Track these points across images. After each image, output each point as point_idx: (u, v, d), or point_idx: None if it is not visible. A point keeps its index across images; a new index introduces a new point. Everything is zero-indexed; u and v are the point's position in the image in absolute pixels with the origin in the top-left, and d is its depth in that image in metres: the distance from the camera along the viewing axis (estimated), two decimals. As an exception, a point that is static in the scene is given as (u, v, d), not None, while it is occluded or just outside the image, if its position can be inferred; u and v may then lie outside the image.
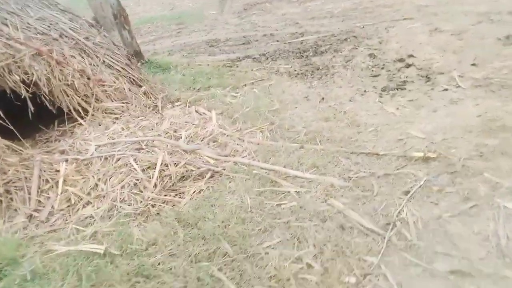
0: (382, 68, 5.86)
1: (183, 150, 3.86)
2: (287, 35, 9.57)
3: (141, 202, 3.46)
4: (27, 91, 4.22)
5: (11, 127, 3.92)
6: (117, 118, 4.63)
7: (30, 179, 3.83)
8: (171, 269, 2.73)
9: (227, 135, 4.23)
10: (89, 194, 3.68)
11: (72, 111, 4.58)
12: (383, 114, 4.41)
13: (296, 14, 10.99)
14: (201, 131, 4.15)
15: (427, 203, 3.01)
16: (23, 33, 4.39)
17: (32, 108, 4.27)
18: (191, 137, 4.09)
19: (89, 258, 2.86)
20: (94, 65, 4.79)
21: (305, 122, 4.38)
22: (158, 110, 5.00)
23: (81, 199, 3.63)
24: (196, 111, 4.76)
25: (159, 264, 2.79)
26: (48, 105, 4.44)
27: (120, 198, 3.49)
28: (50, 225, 3.50)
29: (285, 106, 4.87)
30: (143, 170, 3.67)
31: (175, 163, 3.72)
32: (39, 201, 3.73)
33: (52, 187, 3.83)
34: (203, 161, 3.77)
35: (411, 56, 6.05)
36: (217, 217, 3.15)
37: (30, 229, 3.43)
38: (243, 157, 3.87)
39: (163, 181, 3.60)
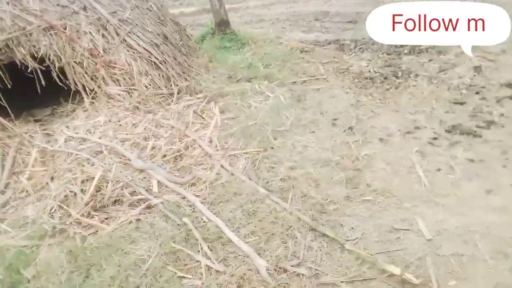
0: (477, 93, 4.06)
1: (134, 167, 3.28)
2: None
3: (66, 218, 3.08)
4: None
5: (5, 104, 3.95)
6: (119, 106, 4.28)
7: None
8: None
9: (204, 155, 3.46)
10: (38, 191, 3.46)
11: (81, 90, 4.39)
12: (405, 173, 2.96)
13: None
14: (166, 145, 3.46)
15: None
16: (42, 4, 4.23)
17: (43, 82, 4.20)
18: (155, 149, 3.45)
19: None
20: (111, 44, 4.43)
21: (296, 162, 3.23)
22: (171, 101, 4.46)
23: (29, 195, 3.45)
24: (195, 112, 4.06)
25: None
26: (57, 80, 4.31)
27: (49, 209, 3.16)
28: (3, 212, 3.45)
29: (298, 127, 3.74)
30: (82, 182, 3.24)
31: (117, 181, 3.18)
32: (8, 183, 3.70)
33: (22, 171, 3.76)
34: (144, 186, 3.13)
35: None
36: (107, 270, 2.56)
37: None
38: (195, 192, 3.10)
39: (97, 199, 3.13)
